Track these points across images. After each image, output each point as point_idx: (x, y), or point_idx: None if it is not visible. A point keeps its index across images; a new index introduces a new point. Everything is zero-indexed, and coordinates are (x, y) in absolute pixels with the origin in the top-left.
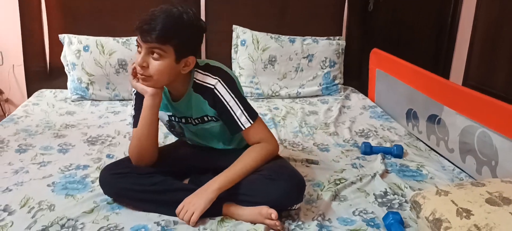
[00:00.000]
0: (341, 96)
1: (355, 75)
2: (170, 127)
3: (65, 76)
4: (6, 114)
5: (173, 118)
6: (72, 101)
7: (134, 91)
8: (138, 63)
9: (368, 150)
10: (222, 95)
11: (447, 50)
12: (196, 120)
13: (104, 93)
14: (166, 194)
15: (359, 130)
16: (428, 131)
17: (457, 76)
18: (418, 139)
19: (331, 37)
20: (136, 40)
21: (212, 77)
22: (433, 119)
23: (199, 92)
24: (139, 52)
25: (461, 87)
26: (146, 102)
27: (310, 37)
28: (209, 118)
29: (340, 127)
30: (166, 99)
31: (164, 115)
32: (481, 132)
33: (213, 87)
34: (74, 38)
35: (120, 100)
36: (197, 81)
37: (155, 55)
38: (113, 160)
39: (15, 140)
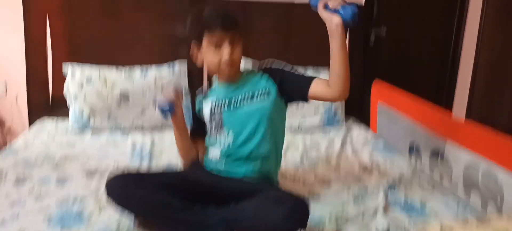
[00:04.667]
0: (342, 128)
1: (357, 107)
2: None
3: (66, 108)
4: (7, 145)
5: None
6: (73, 132)
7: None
8: (228, 55)
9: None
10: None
11: (449, 83)
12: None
13: (105, 124)
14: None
15: (362, 163)
16: (431, 165)
17: (461, 109)
18: (421, 173)
19: None
20: (204, 39)
21: None
22: (436, 153)
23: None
24: (214, 46)
25: (464, 121)
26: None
27: (312, 66)
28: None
29: (343, 160)
30: (221, 88)
31: (206, 107)
32: (485, 167)
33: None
34: (78, 68)
35: (121, 131)
36: None
37: (235, 42)
38: None
39: (14, 171)
